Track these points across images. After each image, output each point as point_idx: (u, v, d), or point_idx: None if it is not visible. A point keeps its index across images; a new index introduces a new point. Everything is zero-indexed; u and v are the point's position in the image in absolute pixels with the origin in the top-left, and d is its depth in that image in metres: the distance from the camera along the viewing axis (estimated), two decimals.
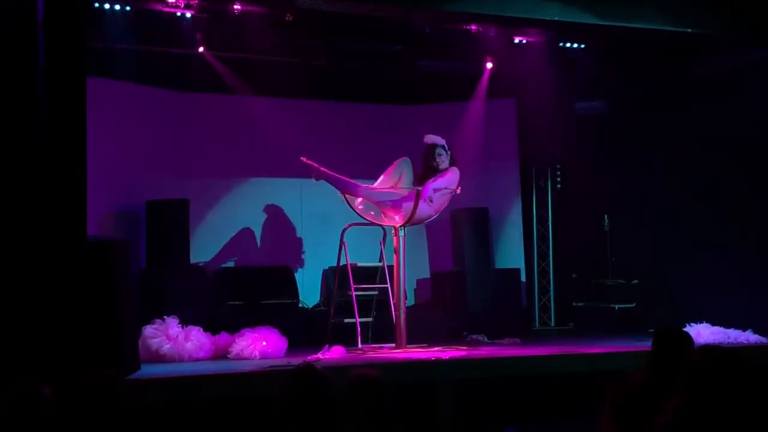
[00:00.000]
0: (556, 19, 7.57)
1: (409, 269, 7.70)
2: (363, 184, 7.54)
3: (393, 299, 7.49)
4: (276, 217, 9.80)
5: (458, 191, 7.55)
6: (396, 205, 7.38)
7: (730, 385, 2.75)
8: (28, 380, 2.98)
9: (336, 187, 7.44)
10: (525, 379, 6.47)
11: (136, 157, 8.85)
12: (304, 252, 9.80)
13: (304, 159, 7.42)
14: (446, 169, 7.49)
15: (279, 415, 3.16)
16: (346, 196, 7.45)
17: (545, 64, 9.34)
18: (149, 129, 9.03)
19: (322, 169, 7.37)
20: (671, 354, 3.74)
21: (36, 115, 5.22)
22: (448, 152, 7.53)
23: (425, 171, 7.52)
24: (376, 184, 7.49)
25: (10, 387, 2.95)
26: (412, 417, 5.02)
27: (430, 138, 7.55)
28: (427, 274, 10.15)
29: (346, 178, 7.44)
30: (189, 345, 6.91)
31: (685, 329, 7.42)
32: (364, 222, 7.62)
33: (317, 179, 7.44)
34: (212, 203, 9.54)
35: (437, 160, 7.47)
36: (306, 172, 7.60)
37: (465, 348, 7.47)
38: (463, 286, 9.46)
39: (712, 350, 2.92)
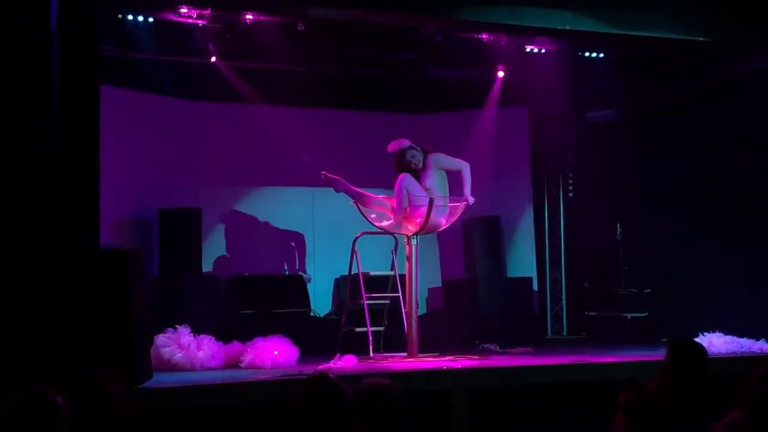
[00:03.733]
0: (568, 27, 7.57)
1: (420, 278, 7.69)
2: (380, 196, 7.56)
3: (405, 308, 7.48)
4: (288, 226, 9.82)
5: (470, 201, 7.49)
6: (413, 211, 7.36)
7: None
8: (41, 387, 2.97)
9: (355, 200, 7.47)
10: (537, 388, 6.45)
11: (149, 166, 8.88)
12: (315, 261, 9.81)
13: (324, 172, 7.46)
14: (425, 166, 7.41)
15: (290, 425, 3.15)
16: (359, 205, 7.47)
17: (556, 73, 9.33)
18: (162, 138, 9.07)
19: (342, 181, 7.42)
20: (685, 366, 3.75)
21: (49, 123, 5.24)
22: (418, 148, 7.44)
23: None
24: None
25: (22, 394, 2.95)
26: (423, 426, 5.00)
27: (394, 145, 7.44)
28: (438, 283, 10.14)
29: (367, 194, 7.49)
30: (201, 354, 6.91)
31: (698, 338, 7.39)
32: (375, 231, 7.61)
33: (338, 191, 7.48)
34: (224, 212, 9.57)
35: (412, 162, 7.40)
36: (317, 182, 7.63)
37: (477, 357, 7.45)
38: (475, 294, 9.44)
39: None
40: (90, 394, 3.16)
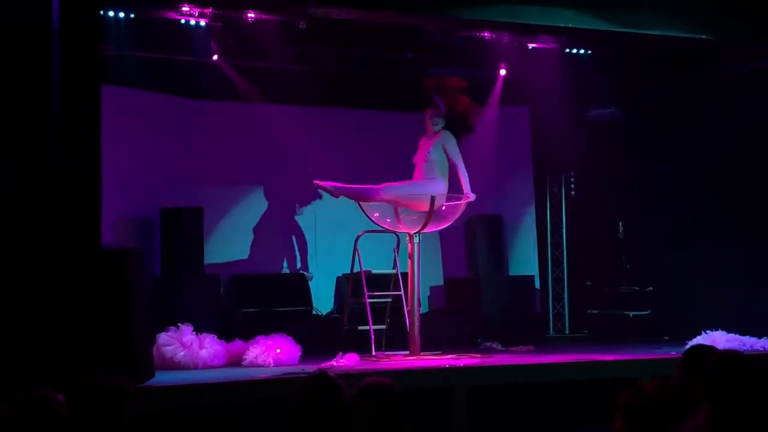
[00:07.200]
0: (570, 26, 7.55)
1: (422, 276, 7.68)
2: (380, 186, 7.49)
3: (407, 306, 7.48)
4: (290, 225, 9.82)
5: (471, 198, 7.48)
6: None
7: (755, 394, 2.70)
8: (41, 386, 2.98)
9: (356, 199, 7.43)
10: (539, 386, 6.45)
11: (150, 165, 8.89)
12: (317, 259, 9.81)
13: (316, 182, 7.45)
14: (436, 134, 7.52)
15: (292, 423, 3.15)
16: (362, 204, 7.44)
17: (558, 71, 9.32)
18: (164, 136, 9.07)
19: (337, 186, 7.40)
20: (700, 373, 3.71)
21: (51, 123, 5.25)
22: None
23: None
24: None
25: (22, 392, 2.95)
26: (425, 425, 5.00)
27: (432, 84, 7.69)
28: (440, 281, 10.14)
29: (364, 186, 7.44)
30: (203, 352, 6.92)
31: (700, 337, 7.41)
32: (377, 229, 7.62)
33: (337, 197, 7.47)
34: (226, 210, 9.57)
35: (432, 123, 7.56)
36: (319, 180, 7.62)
37: (479, 355, 7.45)
38: (476, 293, 9.43)
39: (734, 358, 2.87)
40: (96, 395, 3.16)
